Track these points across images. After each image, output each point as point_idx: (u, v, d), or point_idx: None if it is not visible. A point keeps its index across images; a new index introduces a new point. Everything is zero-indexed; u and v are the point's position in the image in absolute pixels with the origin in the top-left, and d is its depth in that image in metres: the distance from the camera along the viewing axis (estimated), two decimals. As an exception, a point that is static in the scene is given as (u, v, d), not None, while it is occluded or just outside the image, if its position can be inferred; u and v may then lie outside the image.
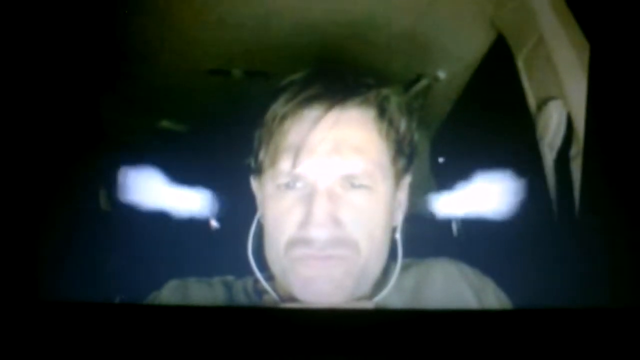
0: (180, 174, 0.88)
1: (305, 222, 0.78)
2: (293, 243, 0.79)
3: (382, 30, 0.86)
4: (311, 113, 0.79)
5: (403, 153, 0.82)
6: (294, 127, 0.79)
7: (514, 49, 0.88)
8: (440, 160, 0.89)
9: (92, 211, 0.88)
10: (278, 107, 0.80)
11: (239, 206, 0.87)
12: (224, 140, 0.87)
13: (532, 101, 0.88)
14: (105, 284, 0.88)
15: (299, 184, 0.79)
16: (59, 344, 0.85)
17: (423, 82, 0.87)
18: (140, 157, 0.89)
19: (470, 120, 0.88)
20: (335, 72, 0.83)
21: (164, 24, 0.87)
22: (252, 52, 0.86)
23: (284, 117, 0.79)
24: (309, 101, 0.79)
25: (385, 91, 0.82)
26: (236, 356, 0.85)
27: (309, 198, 0.78)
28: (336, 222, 0.78)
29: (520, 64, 0.88)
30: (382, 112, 0.81)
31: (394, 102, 0.82)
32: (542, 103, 0.87)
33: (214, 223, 0.88)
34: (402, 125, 0.82)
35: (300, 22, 0.86)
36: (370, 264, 0.81)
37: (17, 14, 0.85)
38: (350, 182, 0.79)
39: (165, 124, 0.89)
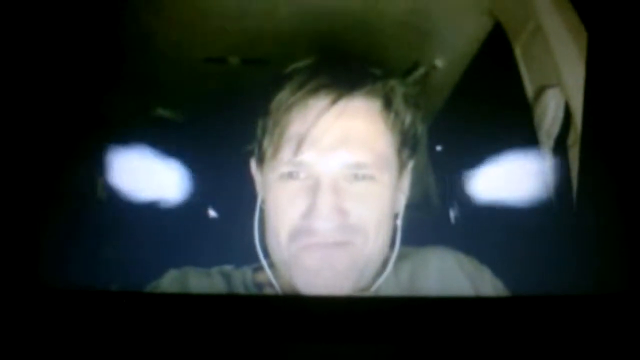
0: (178, 162, 0.88)
1: (308, 214, 0.78)
2: (297, 232, 0.79)
3: (380, 17, 0.86)
4: (318, 103, 0.79)
5: (407, 144, 0.83)
6: (299, 117, 0.79)
7: (512, 36, 0.88)
8: (438, 148, 0.89)
9: (90, 200, 0.88)
10: (284, 96, 0.79)
11: (236, 194, 0.87)
12: (221, 128, 0.86)
13: (529, 89, 0.88)
14: (104, 272, 0.88)
15: (302, 175, 0.79)
16: (58, 330, 0.85)
17: (420, 70, 0.87)
18: (138, 145, 0.88)
19: (468, 108, 0.88)
20: (342, 61, 0.83)
21: (163, 12, 0.86)
22: (252, 39, 0.86)
23: (290, 107, 0.79)
24: (316, 91, 0.79)
25: (392, 82, 0.82)
26: (236, 343, 0.85)
27: (313, 190, 0.78)
28: (342, 212, 0.78)
29: (518, 52, 0.88)
30: (388, 103, 0.81)
31: (400, 94, 0.82)
32: (540, 91, 0.87)
33: (211, 211, 0.88)
34: (408, 118, 0.82)
35: (299, 9, 0.85)
36: (376, 251, 0.81)
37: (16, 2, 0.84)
38: (354, 174, 0.79)
39: (162, 112, 0.88)
